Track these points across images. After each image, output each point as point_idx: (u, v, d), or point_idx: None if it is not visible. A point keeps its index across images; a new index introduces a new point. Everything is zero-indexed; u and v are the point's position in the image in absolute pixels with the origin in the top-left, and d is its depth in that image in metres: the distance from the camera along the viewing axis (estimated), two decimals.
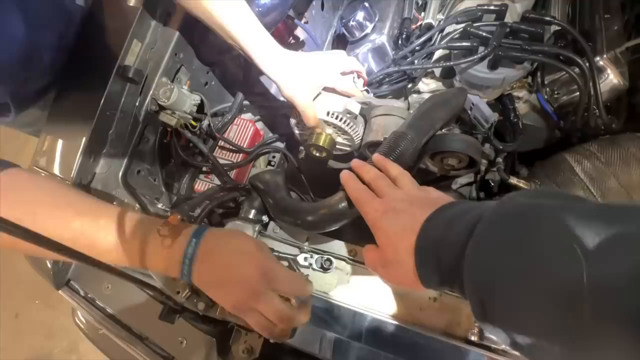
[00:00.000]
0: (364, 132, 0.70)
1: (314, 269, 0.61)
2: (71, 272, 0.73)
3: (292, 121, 0.74)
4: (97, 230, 0.47)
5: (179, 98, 0.72)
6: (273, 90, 0.92)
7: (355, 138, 0.70)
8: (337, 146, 0.73)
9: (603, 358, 0.24)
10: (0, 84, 0.64)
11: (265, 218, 0.67)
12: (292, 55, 0.65)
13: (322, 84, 0.68)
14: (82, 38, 0.71)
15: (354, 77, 0.71)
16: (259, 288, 0.45)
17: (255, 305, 0.45)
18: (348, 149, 0.74)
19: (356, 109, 0.66)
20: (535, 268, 0.26)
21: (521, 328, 0.28)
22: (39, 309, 1.94)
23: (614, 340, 0.22)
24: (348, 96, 0.70)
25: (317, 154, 0.72)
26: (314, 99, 0.68)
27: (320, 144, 0.69)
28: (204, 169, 0.85)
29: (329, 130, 0.70)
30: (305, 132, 0.75)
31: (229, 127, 0.86)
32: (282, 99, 0.89)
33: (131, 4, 0.68)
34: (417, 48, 0.75)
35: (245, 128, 0.86)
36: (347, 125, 0.67)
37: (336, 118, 0.67)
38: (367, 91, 0.77)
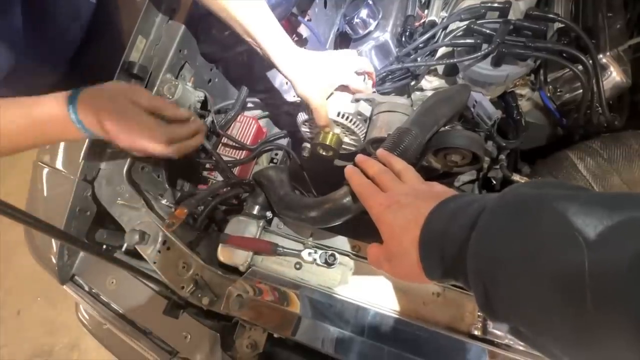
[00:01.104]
0: (367, 129, 0.71)
1: (318, 265, 0.62)
2: (76, 267, 0.73)
3: (300, 119, 0.74)
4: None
5: (183, 94, 0.72)
6: (277, 86, 0.93)
7: (362, 139, 0.70)
8: (344, 145, 0.73)
9: (605, 344, 0.24)
10: (7, 80, 0.64)
11: (269, 214, 0.68)
12: (308, 54, 0.65)
13: (336, 84, 0.68)
14: (89, 34, 0.71)
15: (365, 78, 0.72)
16: (126, 110, 0.56)
17: (130, 128, 0.55)
18: (354, 148, 0.75)
19: (367, 111, 0.66)
20: (537, 256, 0.27)
21: (524, 316, 0.29)
22: (40, 306, 1.94)
23: (615, 327, 0.22)
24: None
25: (324, 153, 0.73)
26: (327, 98, 0.68)
27: (328, 143, 0.69)
28: (207, 165, 0.86)
29: (337, 130, 0.71)
30: (313, 130, 0.75)
31: (232, 124, 0.87)
32: (287, 96, 0.89)
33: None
34: (420, 45, 0.75)
35: (248, 125, 0.87)
36: (356, 126, 0.68)
37: (346, 119, 0.67)
38: (373, 91, 0.77)
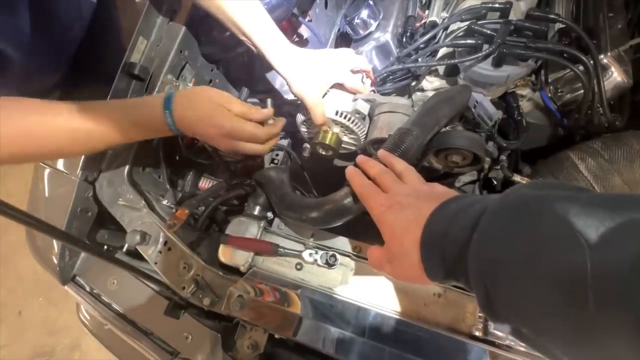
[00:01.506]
0: (368, 129, 0.71)
1: (318, 265, 0.62)
2: (77, 267, 0.73)
3: (299, 119, 0.74)
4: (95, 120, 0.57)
5: None
6: (277, 87, 0.93)
7: (361, 137, 0.70)
8: (343, 145, 0.73)
9: (606, 345, 0.24)
10: (6, 80, 0.65)
11: (270, 214, 0.68)
12: (303, 52, 0.66)
13: (331, 81, 0.68)
14: (90, 34, 0.71)
15: (362, 77, 0.72)
16: (228, 123, 0.59)
17: (233, 136, 0.60)
18: (354, 148, 0.75)
19: (365, 109, 0.66)
20: (538, 257, 0.27)
21: (525, 317, 0.29)
22: (42, 306, 1.94)
23: (617, 327, 0.22)
24: (356, 94, 0.70)
25: (324, 153, 0.73)
26: (323, 97, 0.68)
27: (327, 142, 0.69)
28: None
29: (336, 129, 0.71)
30: (312, 130, 0.75)
31: None
32: (288, 97, 0.89)
33: (137, 0, 0.68)
34: (421, 46, 0.75)
35: None
36: (355, 125, 0.68)
37: (344, 117, 0.67)
38: (374, 91, 0.77)
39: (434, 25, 0.78)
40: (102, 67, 0.70)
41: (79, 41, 0.71)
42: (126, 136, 0.61)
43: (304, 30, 0.94)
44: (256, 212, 0.67)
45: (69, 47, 0.71)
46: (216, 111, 0.59)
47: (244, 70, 0.93)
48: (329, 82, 0.68)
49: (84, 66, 0.73)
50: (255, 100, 0.93)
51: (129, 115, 0.60)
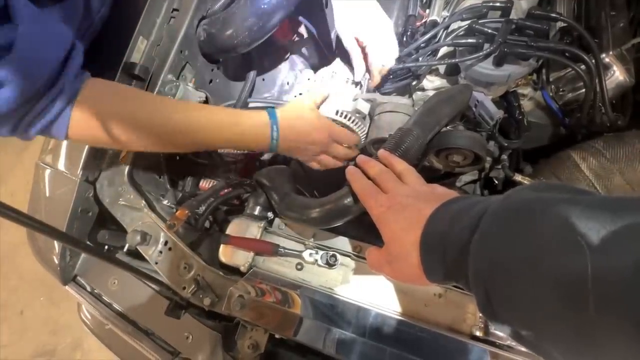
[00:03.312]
0: (368, 129, 0.71)
1: (319, 265, 0.62)
2: (78, 268, 0.73)
3: None
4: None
5: (185, 95, 0.72)
6: (277, 87, 0.93)
7: (362, 137, 0.70)
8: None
9: (607, 349, 0.24)
10: None
11: (270, 215, 0.68)
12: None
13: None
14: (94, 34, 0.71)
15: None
16: (327, 144, 0.68)
17: (327, 152, 0.69)
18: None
19: (365, 108, 0.66)
20: (539, 260, 0.26)
21: (525, 320, 0.28)
22: (43, 306, 1.95)
23: (617, 332, 0.22)
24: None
25: None
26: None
27: None
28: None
29: None
30: None
31: None
32: (288, 97, 0.89)
33: None
34: (421, 45, 0.75)
35: None
36: (355, 124, 0.67)
37: (345, 117, 0.67)
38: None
39: (434, 24, 0.77)
40: (104, 64, 0.70)
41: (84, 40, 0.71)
42: (224, 140, 0.63)
43: (304, 30, 0.93)
44: (256, 212, 0.67)
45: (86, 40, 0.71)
46: (316, 140, 0.66)
47: (245, 69, 0.93)
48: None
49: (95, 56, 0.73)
50: (257, 100, 0.93)
51: (236, 123, 0.63)
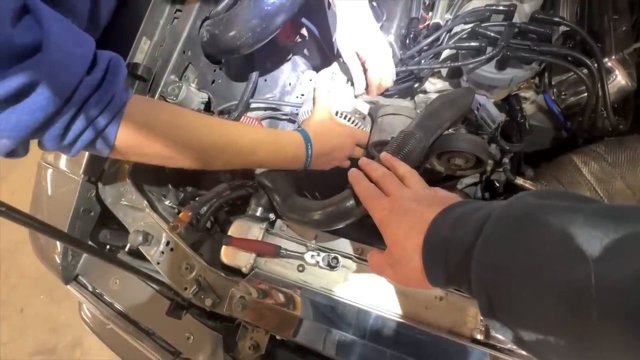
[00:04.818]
0: (371, 132, 0.71)
1: (320, 267, 0.62)
2: (80, 267, 0.73)
3: (299, 119, 0.74)
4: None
5: (187, 96, 0.72)
6: (279, 88, 0.93)
7: None
8: None
9: (609, 358, 0.24)
10: None
11: (272, 216, 0.68)
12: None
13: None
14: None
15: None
16: (352, 148, 0.71)
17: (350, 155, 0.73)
18: None
19: (365, 109, 0.66)
20: (542, 268, 0.27)
21: (528, 327, 0.28)
22: (43, 304, 1.95)
23: (620, 340, 0.22)
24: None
25: None
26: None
27: None
28: None
29: None
30: None
31: None
32: (289, 98, 0.89)
33: None
34: (424, 48, 0.75)
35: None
36: (355, 124, 0.68)
37: (344, 118, 0.67)
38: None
39: (437, 27, 0.77)
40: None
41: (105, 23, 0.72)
42: (261, 157, 0.63)
43: (306, 32, 0.93)
44: (258, 214, 0.68)
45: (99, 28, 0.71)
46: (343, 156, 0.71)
47: (247, 70, 0.93)
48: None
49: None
50: (259, 101, 0.93)
51: (275, 141, 0.64)
